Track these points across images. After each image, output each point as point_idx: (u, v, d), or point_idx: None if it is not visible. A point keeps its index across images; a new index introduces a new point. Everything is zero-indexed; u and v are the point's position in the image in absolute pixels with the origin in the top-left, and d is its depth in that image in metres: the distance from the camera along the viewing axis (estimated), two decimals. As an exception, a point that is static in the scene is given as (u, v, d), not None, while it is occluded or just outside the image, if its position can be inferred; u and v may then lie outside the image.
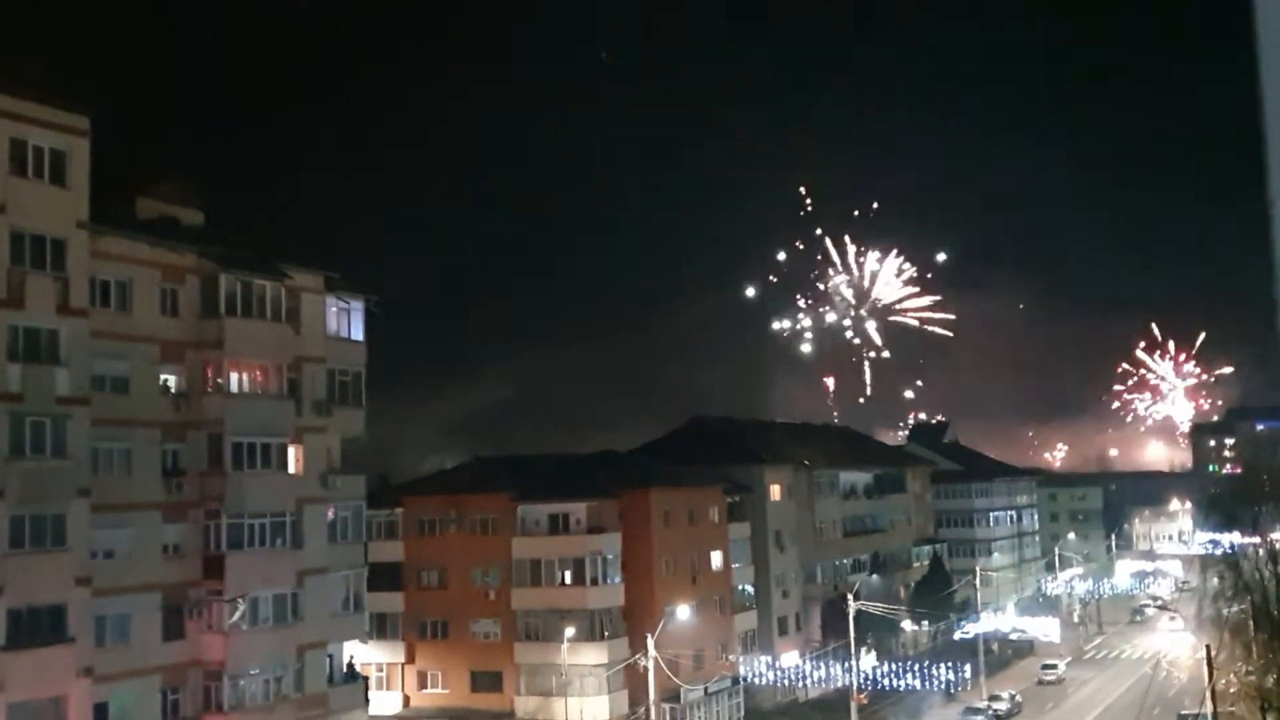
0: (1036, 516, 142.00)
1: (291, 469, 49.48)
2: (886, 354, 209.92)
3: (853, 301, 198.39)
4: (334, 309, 53.68)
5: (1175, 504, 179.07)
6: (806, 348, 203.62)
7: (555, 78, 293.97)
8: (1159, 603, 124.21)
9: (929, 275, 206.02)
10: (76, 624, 39.59)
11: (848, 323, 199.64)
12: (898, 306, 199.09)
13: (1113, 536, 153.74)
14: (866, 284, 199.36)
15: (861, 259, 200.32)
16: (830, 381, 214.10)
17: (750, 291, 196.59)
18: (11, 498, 37.94)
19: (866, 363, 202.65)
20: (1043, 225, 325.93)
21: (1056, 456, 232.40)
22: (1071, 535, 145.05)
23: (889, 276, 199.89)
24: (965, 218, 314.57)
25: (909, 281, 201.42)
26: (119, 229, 44.23)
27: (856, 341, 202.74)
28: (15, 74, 40.33)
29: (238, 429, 46.59)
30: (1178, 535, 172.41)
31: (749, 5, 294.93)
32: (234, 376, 47.41)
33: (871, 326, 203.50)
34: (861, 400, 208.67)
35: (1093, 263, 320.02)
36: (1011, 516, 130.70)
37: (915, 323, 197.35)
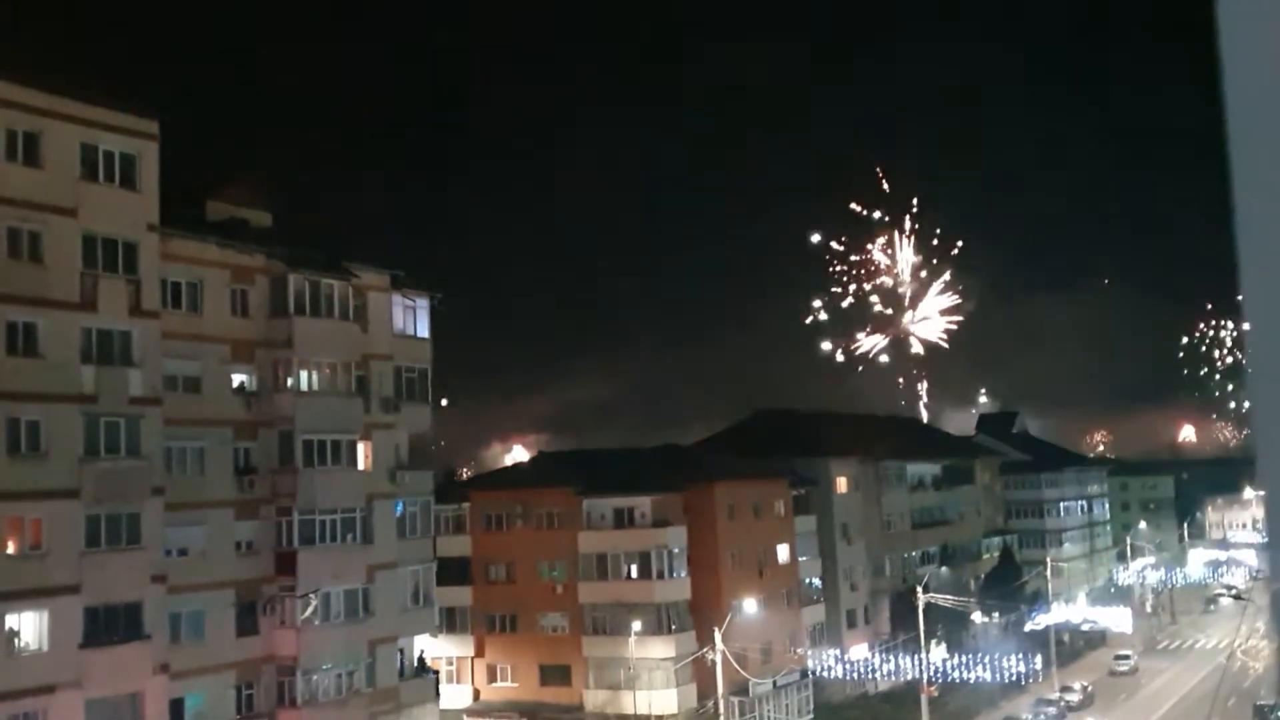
0: (1107, 506, 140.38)
1: (361, 465, 50.02)
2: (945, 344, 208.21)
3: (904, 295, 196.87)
4: (400, 307, 54.10)
5: (1249, 492, 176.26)
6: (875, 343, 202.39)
7: (626, 79, 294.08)
8: (1233, 592, 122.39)
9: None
10: (152, 621, 40.20)
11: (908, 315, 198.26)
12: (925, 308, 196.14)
13: (1185, 525, 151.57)
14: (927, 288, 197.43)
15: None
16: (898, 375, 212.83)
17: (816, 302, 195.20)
18: (87, 497, 38.60)
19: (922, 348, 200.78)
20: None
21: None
22: (1143, 524, 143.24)
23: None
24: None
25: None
26: (189, 231, 44.86)
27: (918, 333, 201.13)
28: (85, 80, 40.97)
29: (308, 426, 47.13)
30: (1252, 523, 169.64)
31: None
32: (304, 375, 47.93)
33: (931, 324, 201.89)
34: (928, 392, 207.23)
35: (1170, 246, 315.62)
36: (1082, 506, 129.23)
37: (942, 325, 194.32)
